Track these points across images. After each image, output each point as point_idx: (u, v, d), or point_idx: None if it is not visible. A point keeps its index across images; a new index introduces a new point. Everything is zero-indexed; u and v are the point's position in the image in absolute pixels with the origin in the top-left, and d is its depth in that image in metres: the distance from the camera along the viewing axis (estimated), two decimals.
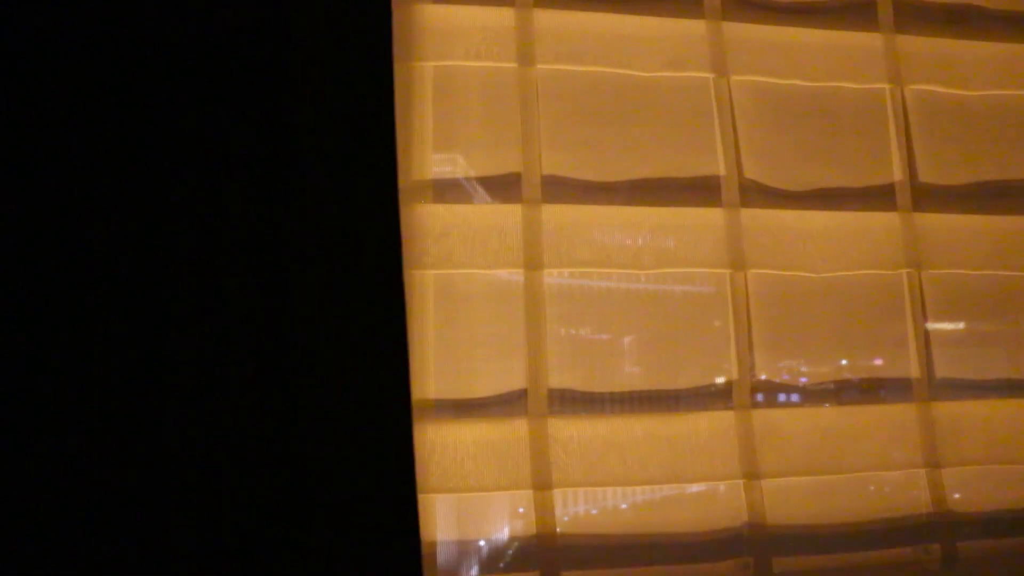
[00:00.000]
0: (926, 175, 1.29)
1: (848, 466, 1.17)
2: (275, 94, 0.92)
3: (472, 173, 1.18)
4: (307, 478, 0.89)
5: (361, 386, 0.90)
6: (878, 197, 1.26)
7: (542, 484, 1.08)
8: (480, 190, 1.19)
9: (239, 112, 0.92)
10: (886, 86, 1.29)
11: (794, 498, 1.15)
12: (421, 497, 1.00)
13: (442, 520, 1.09)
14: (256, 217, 0.91)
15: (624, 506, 1.16)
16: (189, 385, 0.88)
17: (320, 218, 0.92)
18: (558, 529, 1.08)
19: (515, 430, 1.08)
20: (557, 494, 1.08)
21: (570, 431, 1.10)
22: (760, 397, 1.19)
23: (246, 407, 0.88)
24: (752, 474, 1.13)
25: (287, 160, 0.92)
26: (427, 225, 1.12)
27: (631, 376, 1.19)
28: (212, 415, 0.87)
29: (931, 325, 1.26)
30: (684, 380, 1.19)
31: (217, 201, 0.90)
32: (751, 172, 1.22)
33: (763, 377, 1.21)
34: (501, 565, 1.10)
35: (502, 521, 1.11)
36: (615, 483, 1.11)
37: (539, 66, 1.17)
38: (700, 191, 1.20)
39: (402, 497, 0.90)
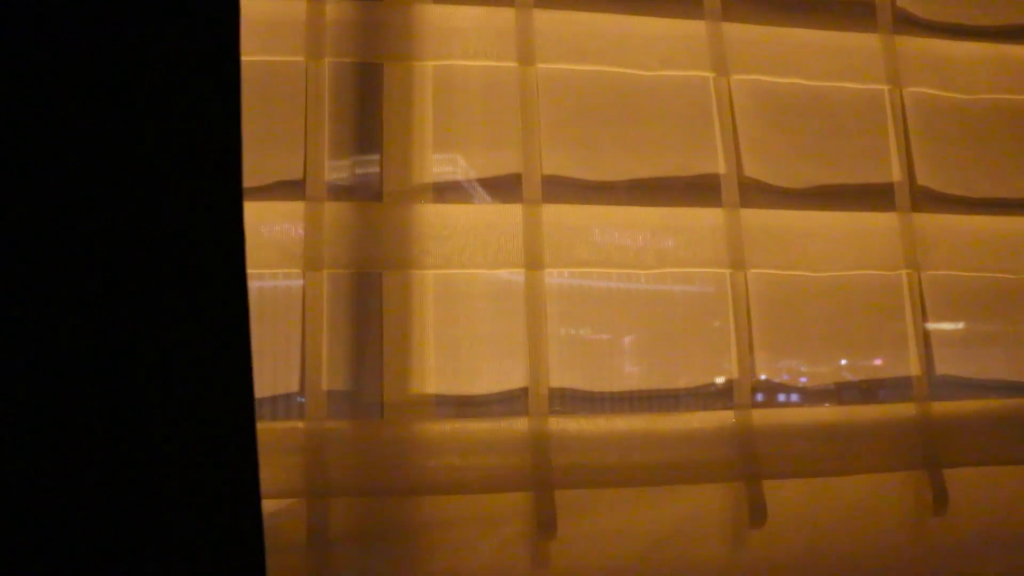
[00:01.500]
0: (924, 176, 1.29)
1: None
2: (113, 90, 0.89)
3: (472, 174, 1.19)
4: (144, 479, 0.87)
5: (203, 387, 0.89)
6: (878, 196, 1.26)
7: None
8: (480, 190, 1.19)
9: (76, 108, 0.88)
10: (885, 87, 1.28)
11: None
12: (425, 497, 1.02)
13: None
14: (93, 216, 0.87)
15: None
16: (25, 385, 0.86)
17: (159, 216, 0.88)
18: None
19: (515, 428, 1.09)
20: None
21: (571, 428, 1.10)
22: (760, 396, 1.20)
23: (86, 407, 0.87)
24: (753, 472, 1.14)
25: (123, 159, 0.89)
26: (427, 225, 1.12)
27: (631, 377, 1.20)
28: (49, 414, 0.86)
29: (931, 325, 1.26)
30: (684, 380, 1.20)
31: (54, 200, 0.87)
32: (751, 171, 1.22)
33: (763, 377, 1.22)
34: None
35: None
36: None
37: (540, 65, 1.17)
38: (700, 189, 1.20)
39: (243, 498, 0.89)
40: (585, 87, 1.20)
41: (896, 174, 1.27)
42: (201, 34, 0.92)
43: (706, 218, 1.19)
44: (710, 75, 1.23)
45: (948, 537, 1.19)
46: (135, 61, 0.91)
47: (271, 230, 1.09)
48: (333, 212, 1.10)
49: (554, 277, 1.15)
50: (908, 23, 1.32)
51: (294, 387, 1.11)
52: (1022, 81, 1.34)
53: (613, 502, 1.11)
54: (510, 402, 1.13)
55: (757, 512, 1.13)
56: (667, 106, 1.23)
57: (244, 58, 1.11)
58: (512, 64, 1.17)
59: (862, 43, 1.29)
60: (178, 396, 0.88)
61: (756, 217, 1.20)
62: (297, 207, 1.09)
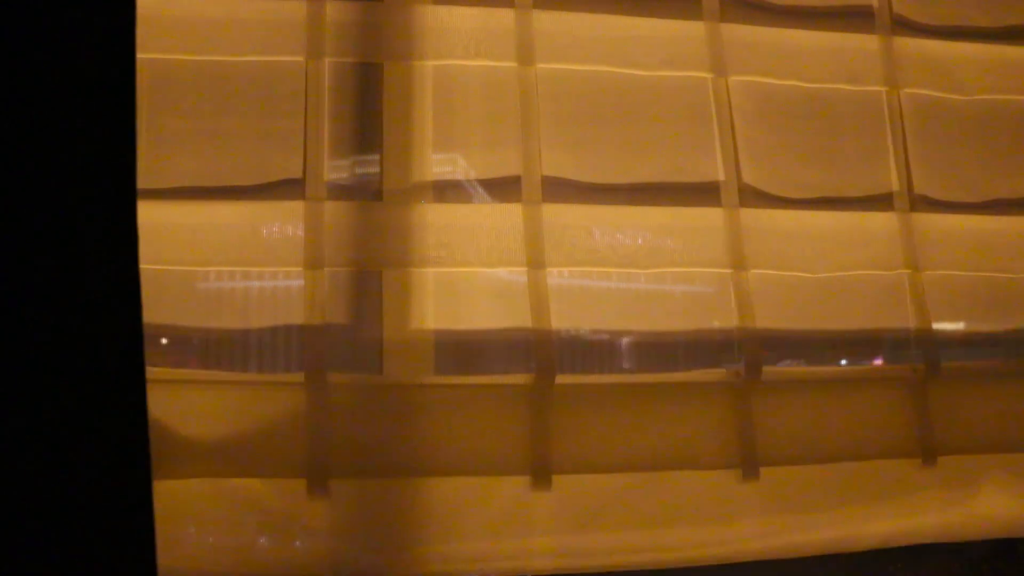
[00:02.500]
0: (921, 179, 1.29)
1: None
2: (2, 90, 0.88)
3: (472, 174, 1.19)
4: (33, 475, 0.86)
5: (94, 384, 0.89)
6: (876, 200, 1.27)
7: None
8: (480, 190, 1.19)
9: None
10: (883, 89, 1.29)
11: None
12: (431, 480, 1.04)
13: None
14: None
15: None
16: None
17: (49, 214, 0.88)
18: None
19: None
20: None
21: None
22: None
23: None
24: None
25: (10, 156, 0.88)
26: (427, 224, 1.12)
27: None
28: None
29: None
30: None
31: None
32: (749, 176, 1.22)
33: None
34: None
35: None
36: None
37: (539, 66, 1.17)
38: (699, 193, 1.21)
39: (134, 489, 0.88)
40: (584, 87, 1.20)
41: (895, 178, 1.27)
42: (95, 34, 0.91)
43: (705, 218, 1.20)
44: (708, 76, 1.23)
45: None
46: (27, 62, 0.89)
47: (270, 230, 1.09)
48: (333, 211, 1.10)
49: (553, 277, 1.15)
50: (905, 26, 1.32)
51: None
52: (1018, 82, 1.35)
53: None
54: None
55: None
56: (666, 107, 1.23)
57: (243, 58, 1.13)
58: (512, 64, 1.17)
59: (860, 44, 1.29)
60: (69, 393, 0.86)
61: (754, 218, 1.20)
62: (297, 207, 1.09)
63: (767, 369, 1.16)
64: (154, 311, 1.11)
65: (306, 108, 1.12)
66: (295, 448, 1.04)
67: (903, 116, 1.29)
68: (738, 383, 1.15)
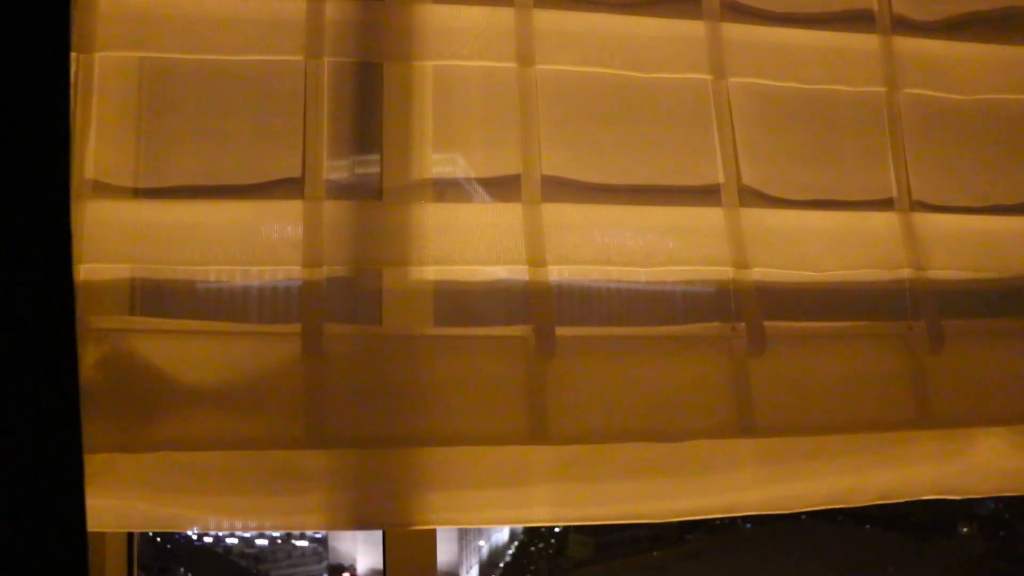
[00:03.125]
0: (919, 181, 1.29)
1: None
2: None
3: (472, 173, 1.19)
4: None
5: (30, 383, 0.88)
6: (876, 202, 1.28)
7: None
8: (480, 190, 1.19)
9: None
10: (882, 89, 1.29)
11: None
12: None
13: None
14: None
15: None
16: None
17: None
18: None
19: None
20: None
21: None
22: None
23: None
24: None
25: None
26: (427, 223, 1.12)
27: None
28: None
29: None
30: None
31: None
32: (748, 177, 1.23)
33: None
34: None
35: None
36: None
37: (539, 66, 1.17)
38: (699, 194, 1.22)
39: (67, 494, 0.88)
40: (584, 87, 1.20)
41: (893, 181, 1.27)
42: (29, 34, 0.90)
43: (706, 218, 1.20)
44: (708, 77, 1.22)
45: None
46: None
47: (270, 229, 1.09)
48: (332, 211, 1.10)
49: (553, 276, 1.15)
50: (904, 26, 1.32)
51: None
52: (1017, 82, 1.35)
53: None
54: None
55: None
56: (666, 107, 1.23)
57: (241, 57, 1.13)
58: (511, 65, 1.17)
59: (859, 44, 1.29)
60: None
61: (755, 217, 1.20)
62: (296, 206, 1.09)
63: (766, 324, 1.16)
64: (152, 309, 1.12)
65: (305, 107, 1.12)
66: (293, 398, 1.05)
67: (902, 117, 1.29)
68: (736, 337, 1.16)
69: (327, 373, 1.05)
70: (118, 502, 1.04)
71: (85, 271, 1.05)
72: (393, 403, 1.07)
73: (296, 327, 1.06)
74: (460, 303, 1.18)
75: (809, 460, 1.19)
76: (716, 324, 1.18)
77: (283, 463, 1.07)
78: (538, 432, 1.08)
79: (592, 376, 1.11)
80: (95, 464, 0.99)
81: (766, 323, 1.16)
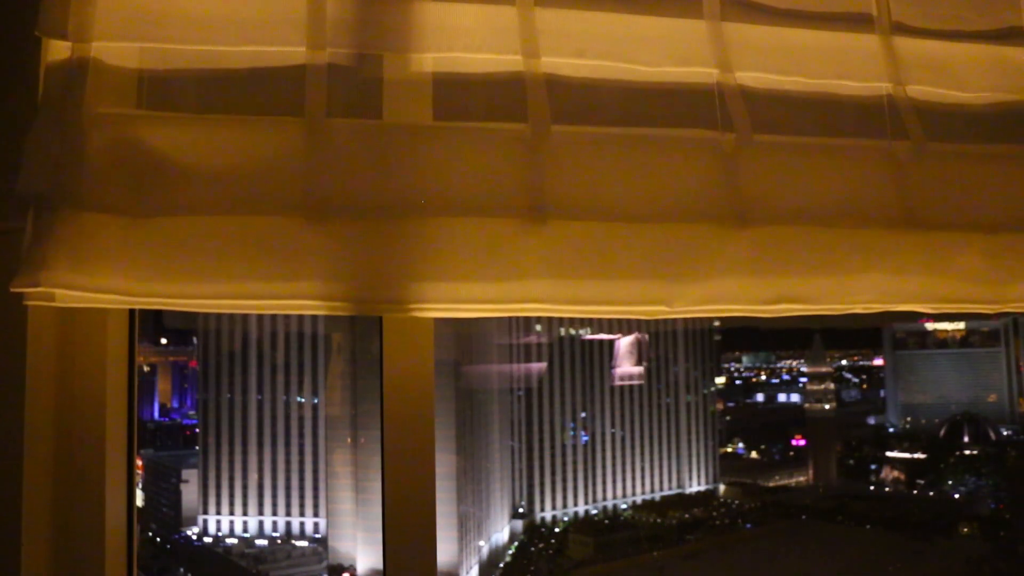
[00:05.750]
0: None
1: None
2: None
3: None
4: None
5: None
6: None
7: None
8: None
9: None
10: None
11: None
12: None
13: None
14: None
15: None
16: None
17: None
18: None
19: None
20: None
21: None
22: None
23: None
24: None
25: None
26: (426, 20, 1.16)
27: None
28: None
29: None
30: None
31: None
32: None
33: None
34: None
35: None
36: None
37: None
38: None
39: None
40: None
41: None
42: None
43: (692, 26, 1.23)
44: None
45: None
46: None
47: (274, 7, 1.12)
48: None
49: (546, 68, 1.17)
50: None
51: None
52: None
53: None
54: None
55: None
56: None
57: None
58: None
59: None
60: None
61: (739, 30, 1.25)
62: None
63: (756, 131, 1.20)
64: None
65: None
66: (293, 186, 1.07)
67: None
68: (725, 139, 1.19)
69: (328, 159, 1.08)
70: (116, 281, 1.04)
71: (96, 49, 1.06)
72: (392, 186, 1.09)
73: (299, 118, 1.09)
74: (458, 98, 1.21)
75: (800, 254, 1.20)
76: (706, 131, 1.20)
77: (281, 238, 1.07)
78: (534, 212, 1.10)
79: (585, 167, 1.14)
80: (95, 236, 1.01)
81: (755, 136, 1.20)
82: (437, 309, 1.12)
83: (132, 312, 1.23)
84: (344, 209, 1.07)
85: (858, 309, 1.25)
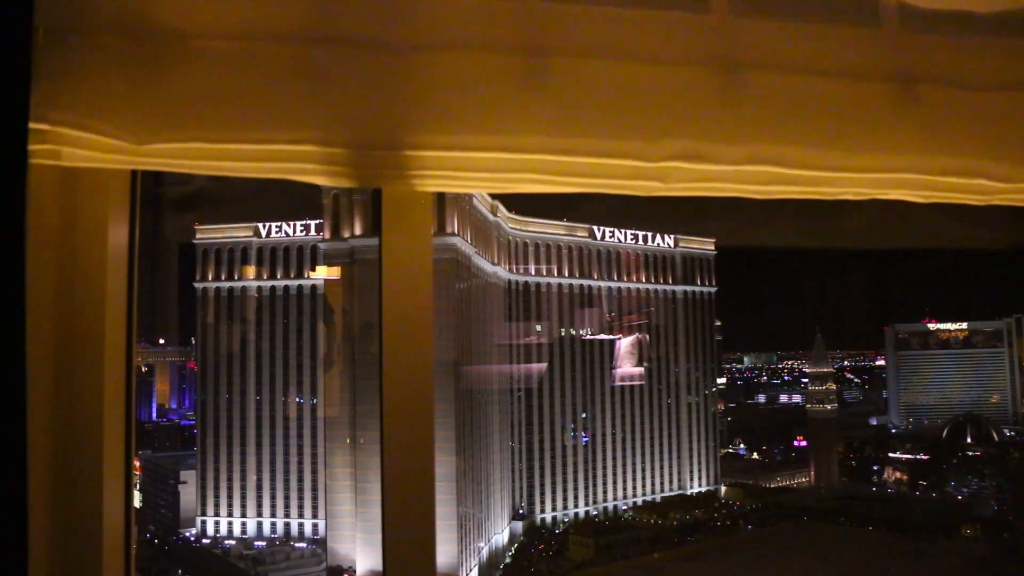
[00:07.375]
0: None
1: None
2: None
3: None
4: None
5: None
6: None
7: None
8: None
9: None
10: None
11: None
12: None
13: None
14: None
15: None
16: None
17: None
18: None
19: None
20: None
21: None
22: None
23: None
24: None
25: None
26: None
27: None
28: None
29: None
30: None
31: None
32: None
33: None
34: None
35: None
36: None
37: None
38: None
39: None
40: None
41: None
42: None
43: None
44: None
45: None
46: None
47: None
48: None
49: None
50: None
51: None
52: None
53: None
54: None
55: None
56: None
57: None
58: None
59: None
60: None
61: None
62: None
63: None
64: None
65: None
66: (298, 35, 1.07)
67: None
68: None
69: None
70: (125, 130, 1.04)
71: None
72: (394, 28, 1.09)
73: None
74: None
75: (794, 124, 1.22)
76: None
77: (285, 88, 1.08)
78: (535, 70, 1.11)
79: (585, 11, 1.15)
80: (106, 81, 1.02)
81: None
82: (436, 176, 1.12)
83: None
84: (345, 60, 1.08)
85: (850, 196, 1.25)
